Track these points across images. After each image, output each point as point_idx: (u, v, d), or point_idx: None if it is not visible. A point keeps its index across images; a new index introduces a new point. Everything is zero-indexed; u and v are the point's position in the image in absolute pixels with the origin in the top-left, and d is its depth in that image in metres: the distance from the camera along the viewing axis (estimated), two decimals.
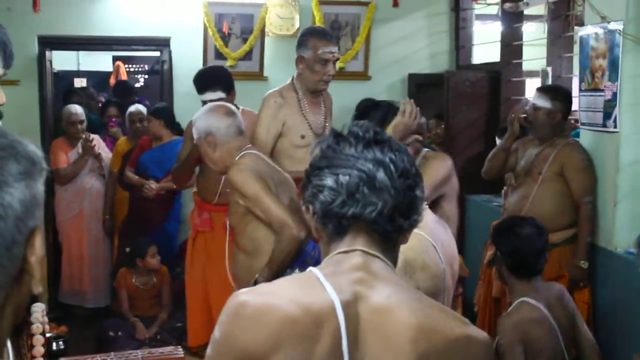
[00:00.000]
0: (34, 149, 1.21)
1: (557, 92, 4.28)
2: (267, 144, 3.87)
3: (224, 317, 1.40)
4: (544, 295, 3.31)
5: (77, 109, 5.86)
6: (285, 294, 1.37)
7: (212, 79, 4.32)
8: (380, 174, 1.38)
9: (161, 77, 6.48)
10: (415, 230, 2.32)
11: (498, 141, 5.18)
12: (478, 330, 1.39)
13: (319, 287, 1.36)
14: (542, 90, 4.31)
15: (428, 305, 1.39)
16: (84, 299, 5.93)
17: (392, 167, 1.39)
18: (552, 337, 3.24)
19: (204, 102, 4.02)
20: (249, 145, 3.38)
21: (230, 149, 3.31)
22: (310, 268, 1.42)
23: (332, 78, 3.90)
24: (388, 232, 1.42)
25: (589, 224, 4.02)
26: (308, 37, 3.87)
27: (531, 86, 5.75)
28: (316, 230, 1.48)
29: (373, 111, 3.11)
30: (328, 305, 1.33)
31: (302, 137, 3.87)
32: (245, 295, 1.40)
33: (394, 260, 1.48)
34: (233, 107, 3.44)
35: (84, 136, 5.75)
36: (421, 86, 6.39)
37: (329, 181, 1.40)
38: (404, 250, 2.24)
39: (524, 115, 4.28)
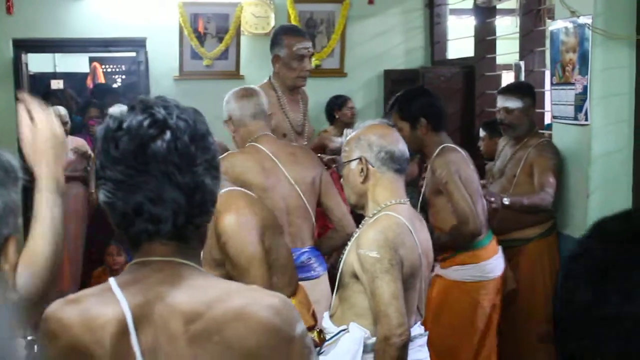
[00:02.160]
0: (9, 158, 1.23)
1: (523, 89, 4.34)
2: None
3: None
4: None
5: (60, 110, 5.86)
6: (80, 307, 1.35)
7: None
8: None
9: (138, 77, 6.49)
10: (393, 214, 2.45)
11: (482, 134, 5.24)
12: (263, 296, 1.33)
13: (113, 298, 1.32)
14: (507, 91, 4.33)
15: (223, 288, 1.34)
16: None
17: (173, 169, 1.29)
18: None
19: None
20: (261, 134, 3.26)
21: (244, 135, 3.27)
22: (110, 278, 1.37)
23: (309, 73, 3.94)
24: (183, 237, 1.35)
25: (536, 199, 4.02)
26: (281, 35, 3.91)
27: (506, 80, 5.80)
28: None
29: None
30: (119, 314, 1.30)
31: (284, 135, 3.88)
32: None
33: (197, 252, 1.42)
34: (254, 88, 3.38)
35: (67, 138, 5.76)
36: (397, 82, 6.42)
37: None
38: (384, 229, 2.39)
39: (499, 120, 4.30)
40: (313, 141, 4.42)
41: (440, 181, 3.64)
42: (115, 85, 9.27)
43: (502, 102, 4.27)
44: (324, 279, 3.38)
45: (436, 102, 3.80)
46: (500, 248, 3.81)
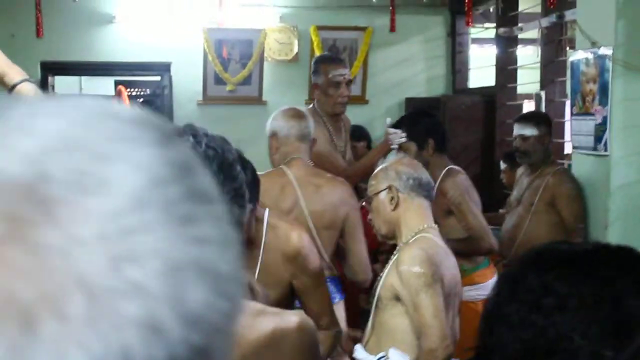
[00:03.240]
0: None
1: (539, 117, 4.37)
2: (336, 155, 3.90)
3: None
4: None
5: None
6: None
7: None
8: None
9: (162, 101, 6.57)
10: (429, 235, 2.49)
11: (503, 166, 5.25)
12: (288, 318, 1.33)
13: None
14: (524, 119, 4.35)
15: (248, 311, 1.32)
16: None
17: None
18: None
19: None
20: (295, 157, 3.19)
21: (283, 154, 3.22)
22: None
23: (347, 99, 3.98)
24: None
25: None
26: (319, 64, 4.01)
27: (527, 109, 5.81)
28: None
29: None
30: None
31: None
32: None
33: None
34: (304, 111, 3.34)
35: None
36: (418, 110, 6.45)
37: None
38: (424, 247, 2.44)
39: (515, 148, 4.32)
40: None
41: (453, 202, 3.69)
42: None
43: (518, 130, 4.28)
44: (340, 306, 3.37)
45: (440, 123, 3.84)
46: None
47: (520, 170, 4.51)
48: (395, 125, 3.97)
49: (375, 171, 2.70)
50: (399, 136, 3.82)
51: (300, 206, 3.17)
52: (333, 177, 3.33)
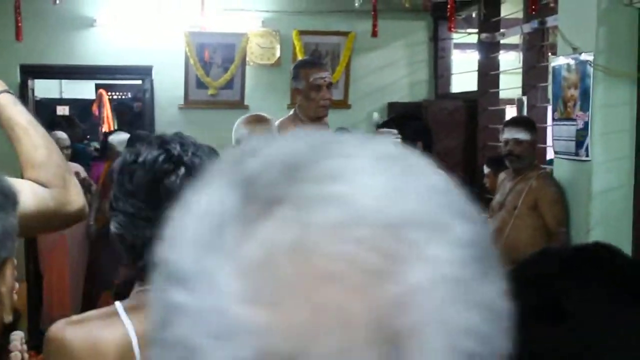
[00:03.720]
0: (8, 183, 1.25)
1: (531, 122, 4.42)
2: None
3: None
4: None
5: (62, 134, 5.87)
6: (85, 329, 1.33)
7: None
8: None
9: (143, 105, 6.54)
10: None
11: (487, 170, 5.25)
12: None
13: (118, 322, 1.32)
14: (518, 123, 4.39)
15: None
16: None
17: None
18: None
19: None
20: None
21: None
22: (116, 302, 1.37)
23: (329, 102, 3.96)
24: None
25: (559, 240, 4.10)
26: (299, 69, 3.98)
27: (509, 115, 5.83)
28: None
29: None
30: (126, 342, 1.29)
31: None
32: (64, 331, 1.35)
33: None
34: (263, 116, 3.41)
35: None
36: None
37: None
38: None
39: (507, 152, 4.32)
40: None
41: None
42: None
43: (511, 133, 4.29)
44: None
45: (428, 126, 3.81)
46: None
47: (502, 175, 4.53)
48: (381, 126, 3.96)
49: None
50: (393, 136, 3.81)
51: None
52: None
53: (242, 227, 0.39)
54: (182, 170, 1.31)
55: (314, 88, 3.90)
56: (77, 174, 5.96)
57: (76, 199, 1.61)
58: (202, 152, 1.36)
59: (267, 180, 0.40)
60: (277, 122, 4.03)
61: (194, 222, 0.42)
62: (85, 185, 5.91)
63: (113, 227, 1.34)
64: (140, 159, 1.32)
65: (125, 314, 1.32)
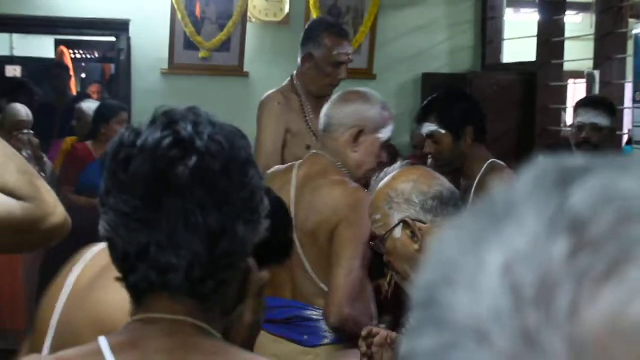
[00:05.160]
0: None
1: (612, 105, 4.34)
2: (275, 154, 3.82)
3: None
4: None
5: (27, 114, 5.68)
6: None
7: None
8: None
9: (117, 67, 6.50)
10: None
11: None
12: None
13: None
14: (597, 105, 4.31)
15: None
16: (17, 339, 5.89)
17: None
18: None
19: None
20: (314, 153, 3.26)
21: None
22: (100, 337, 1.28)
23: (339, 83, 3.94)
24: (199, 294, 1.27)
25: None
26: (321, 32, 3.93)
27: (575, 92, 5.78)
28: None
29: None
30: None
31: (308, 147, 3.80)
32: None
33: (216, 316, 1.33)
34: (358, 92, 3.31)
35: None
36: (438, 89, 6.37)
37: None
38: None
39: (583, 139, 4.26)
40: None
41: None
42: (83, 76, 9.28)
43: (589, 117, 4.21)
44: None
45: (479, 107, 3.83)
46: None
47: None
48: (423, 110, 3.88)
49: (373, 200, 2.41)
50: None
51: (292, 215, 3.08)
52: (342, 180, 3.13)
53: (578, 287, 0.39)
54: (194, 159, 1.22)
55: (334, 63, 3.89)
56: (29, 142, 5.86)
57: (55, 210, 1.59)
58: (224, 135, 1.29)
59: (603, 227, 0.40)
60: (272, 93, 3.96)
61: (497, 258, 0.41)
62: (38, 157, 5.78)
63: (102, 228, 1.27)
64: (140, 142, 1.24)
65: (112, 354, 1.24)
